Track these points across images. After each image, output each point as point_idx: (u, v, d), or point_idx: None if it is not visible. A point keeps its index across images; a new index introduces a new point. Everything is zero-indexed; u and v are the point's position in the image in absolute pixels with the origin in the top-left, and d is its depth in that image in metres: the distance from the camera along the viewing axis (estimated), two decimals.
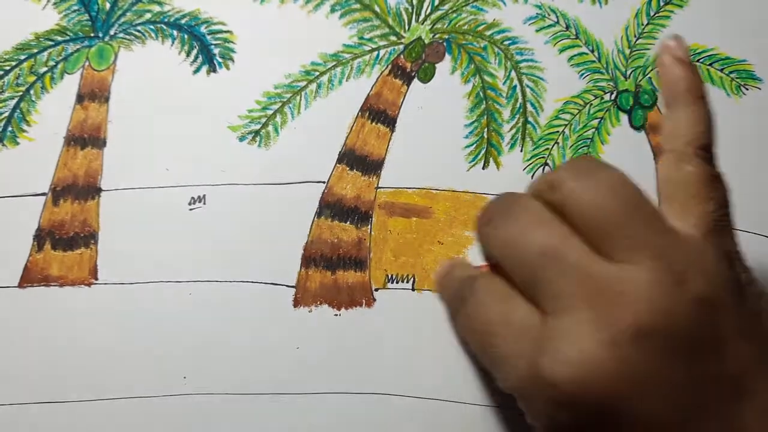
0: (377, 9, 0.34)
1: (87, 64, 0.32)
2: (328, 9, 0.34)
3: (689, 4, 0.35)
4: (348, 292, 0.32)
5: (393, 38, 0.34)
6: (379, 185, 0.33)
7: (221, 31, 0.33)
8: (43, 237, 0.31)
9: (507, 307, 0.24)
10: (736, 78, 0.35)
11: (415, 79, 0.34)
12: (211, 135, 0.32)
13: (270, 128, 0.33)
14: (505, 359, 0.24)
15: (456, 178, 0.33)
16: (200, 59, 0.33)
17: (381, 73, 0.34)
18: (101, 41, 0.33)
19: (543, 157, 0.34)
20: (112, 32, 0.33)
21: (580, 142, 0.34)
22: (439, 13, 0.34)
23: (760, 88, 0.35)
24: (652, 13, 0.35)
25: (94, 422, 0.30)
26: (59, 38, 0.32)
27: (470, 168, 0.33)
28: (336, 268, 0.32)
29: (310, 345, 0.31)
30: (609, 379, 0.21)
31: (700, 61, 0.35)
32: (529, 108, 0.34)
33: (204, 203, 0.32)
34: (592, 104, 0.34)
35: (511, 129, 0.34)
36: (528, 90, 0.34)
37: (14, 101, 0.32)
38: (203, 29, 0.33)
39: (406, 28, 0.34)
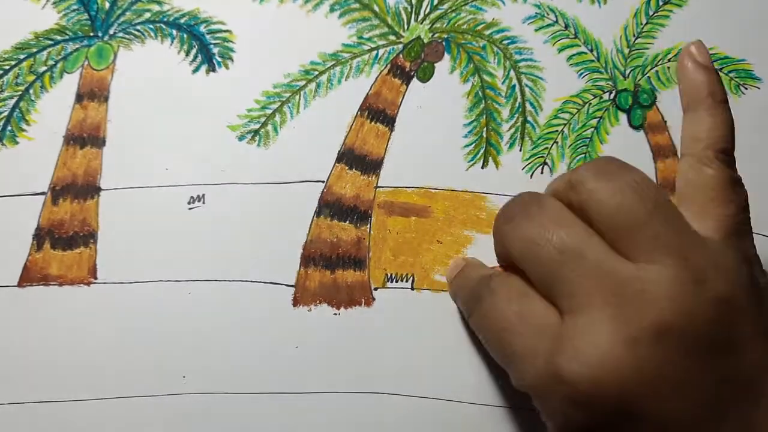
0: (376, 8, 0.34)
1: (86, 63, 0.32)
2: (327, 8, 0.34)
3: (688, 3, 0.35)
4: (347, 292, 0.32)
5: (392, 38, 0.34)
6: (379, 184, 0.33)
7: (220, 31, 0.33)
8: (43, 236, 0.31)
9: (524, 305, 0.24)
10: (735, 77, 0.35)
11: (414, 79, 0.34)
12: (211, 134, 0.32)
13: (269, 128, 0.33)
14: (522, 358, 0.24)
15: (455, 178, 0.33)
16: (199, 58, 0.33)
17: (380, 73, 0.34)
18: (100, 41, 0.33)
19: (542, 157, 0.34)
20: (111, 32, 0.33)
21: (579, 142, 0.34)
22: (438, 12, 0.34)
23: (759, 88, 0.35)
24: (651, 13, 0.35)
25: (94, 422, 0.30)
26: (58, 37, 0.32)
27: (469, 167, 0.33)
28: (335, 267, 0.32)
29: (310, 344, 0.31)
30: (627, 379, 0.21)
31: None
32: (528, 107, 0.34)
33: (203, 203, 0.32)
34: (591, 104, 0.34)
35: (510, 128, 0.34)
36: (527, 89, 0.34)
37: (13, 100, 0.32)
38: (202, 28, 0.33)
39: (405, 27, 0.34)
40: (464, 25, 0.34)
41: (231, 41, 0.33)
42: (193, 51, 0.33)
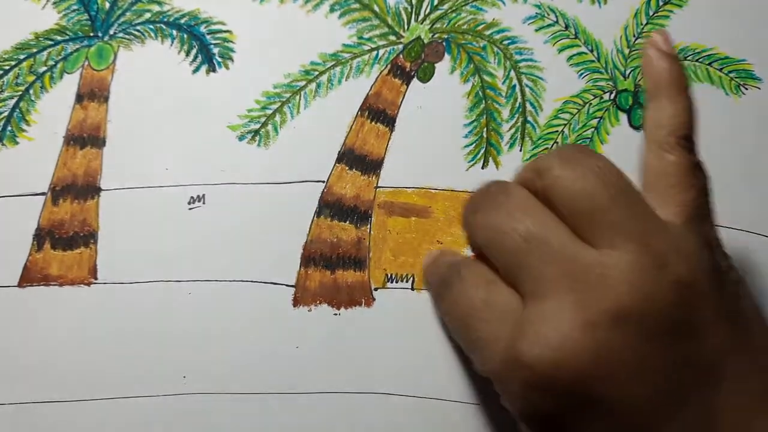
0: (376, 8, 0.34)
1: (86, 63, 0.32)
2: (327, 8, 0.34)
3: (688, 3, 0.35)
4: (347, 292, 0.32)
5: (392, 38, 0.34)
6: (379, 185, 0.33)
7: (221, 31, 0.33)
8: (43, 236, 0.31)
9: (489, 291, 0.25)
10: (736, 77, 0.35)
11: (415, 79, 0.34)
12: (211, 134, 0.32)
13: (269, 128, 0.33)
14: (485, 343, 0.24)
15: (455, 178, 0.33)
16: (200, 59, 0.33)
17: (380, 73, 0.34)
18: (101, 41, 0.33)
19: None
20: (111, 32, 0.33)
21: (579, 142, 0.34)
22: (438, 12, 0.34)
23: (759, 88, 0.35)
24: (651, 13, 0.35)
25: (94, 422, 0.30)
26: (59, 38, 0.32)
27: (469, 167, 0.33)
28: (335, 267, 0.32)
29: (310, 344, 0.31)
30: (586, 361, 0.22)
31: (700, 60, 0.35)
32: (529, 107, 0.34)
33: (203, 203, 0.32)
34: (591, 104, 0.34)
35: (510, 128, 0.34)
36: (527, 89, 0.34)
37: (14, 101, 0.32)
38: (203, 29, 0.33)
39: (406, 27, 0.34)
40: (464, 26, 0.34)
41: (231, 41, 0.33)
42: (194, 51, 0.33)
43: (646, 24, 0.35)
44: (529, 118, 0.34)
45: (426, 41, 0.34)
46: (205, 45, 0.33)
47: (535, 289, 0.23)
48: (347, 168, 0.33)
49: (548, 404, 0.22)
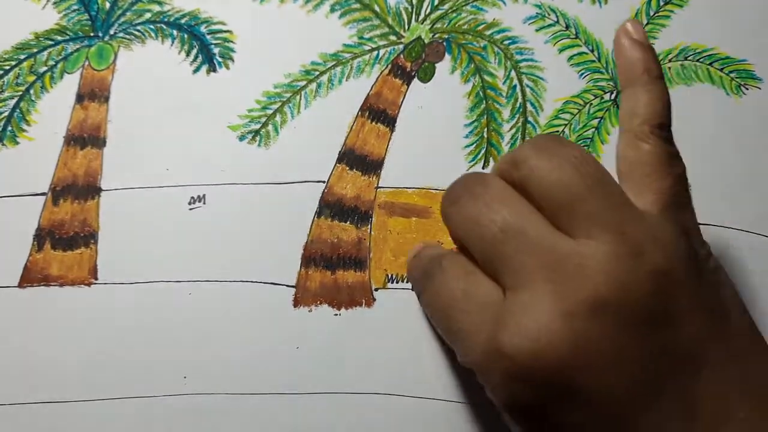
0: (377, 8, 0.34)
1: (87, 63, 0.32)
2: (327, 9, 0.34)
3: (689, 3, 0.35)
4: (348, 292, 0.32)
5: (393, 38, 0.34)
6: (379, 185, 0.33)
7: (221, 31, 0.33)
8: (43, 237, 0.31)
9: (469, 283, 0.25)
10: (736, 78, 0.35)
11: (415, 79, 0.34)
12: (211, 135, 0.32)
13: (270, 128, 0.33)
14: (466, 335, 0.24)
15: (456, 178, 0.33)
16: (200, 59, 0.33)
17: (381, 73, 0.34)
18: (101, 41, 0.33)
19: None
20: (111, 32, 0.33)
21: (579, 142, 0.34)
22: (438, 12, 0.34)
23: (760, 88, 0.35)
24: (651, 13, 0.35)
25: (94, 422, 0.30)
26: (59, 38, 0.32)
27: (470, 168, 0.33)
28: (336, 267, 0.32)
29: (310, 345, 0.31)
30: (564, 351, 0.22)
31: (700, 60, 0.35)
32: (529, 108, 0.34)
33: (204, 203, 0.32)
34: (591, 104, 0.34)
35: (511, 129, 0.34)
36: (528, 89, 0.34)
37: (14, 101, 0.32)
38: (203, 29, 0.33)
39: (406, 27, 0.34)
40: (465, 26, 0.34)
41: (231, 41, 0.33)
42: (194, 51, 0.33)
43: (647, 24, 0.35)
44: (530, 119, 0.34)
45: (426, 41, 0.34)
46: (205, 45, 0.33)
47: (514, 280, 0.23)
48: (348, 168, 0.33)
49: (528, 394, 0.22)
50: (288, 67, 0.33)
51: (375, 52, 0.34)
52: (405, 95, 0.34)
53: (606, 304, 0.22)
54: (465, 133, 0.34)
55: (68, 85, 0.32)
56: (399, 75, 0.34)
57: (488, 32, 0.34)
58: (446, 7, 0.34)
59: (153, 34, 0.33)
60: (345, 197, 0.33)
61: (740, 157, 0.34)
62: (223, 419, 0.31)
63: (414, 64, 0.34)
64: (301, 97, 0.33)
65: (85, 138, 0.32)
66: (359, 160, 0.33)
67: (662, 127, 0.26)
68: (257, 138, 0.33)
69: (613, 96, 0.35)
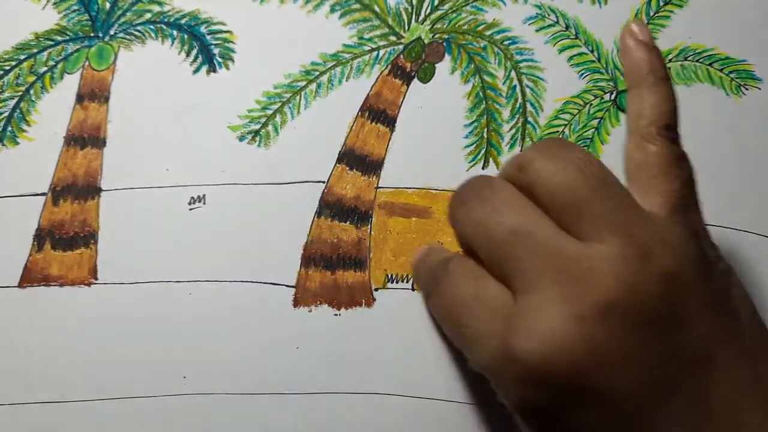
0: (377, 9, 0.34)
1: (87, 63, 0.32)
2: (327, 9, 0.34)
3: (689, 3, 0.35)
4: (348, 292, 0.32)
5: (393, 38, 0.34)
6: (379, 185, 0.33)
7: (221, 31, 0.33)
8: (43, 237, 0.31)
9: (478, 287, 0.25)
10: (736, 78, 0.35)
11: (415, 79, 0.34)
12: (211, 135, 0.32)
13: (270, 128, 0.33)
14: (477, 339, 0.24)
15: (456, 178, 0.33)
16: (200, 59, 0.33)
17: (381, 73, 0.34)
18: (101, 41, 0.33)
19: None
20: (112, 32, 0.33)
21: (579, 142, 0.34)
22: (438, 13, 0.34)
23: (760, 88, 0.35)
24: (651, 13, 0.35)
25: (94, 422, 0.30)
26: (59, 38, 0.32)
27: (470, 168, 0.33)
28: (336, 267, 0.32)
29: (310, 345, 0.31)
30: (576, 355, 0.22)
31: (700, 61, 0.35)
32: (529, 108, 0.34)
33: (204, 203, 0.32)
34: (591, 104, 0.34)
35: (510, 129, 0.34)
36: (528, 90, 0.34)
37: (14, 101, 0.32)
38: (203, 29, 0.33)
39: (406, 28, 0.34)
40: (465, 26, 0.34)
41: (231, 42, 0.33)
42: (194, 51, 0.33)
43: (647, 24, 0.35)
44: (530, 119, 0.34)
45: (426, 41, 0.34)
46: (205, 45, 0.33)
47: (523, 283, 0.23)
48: (348, 168, 0.33)
49: (541, 397, 0.22)
50: (288, 67, 0.33)
51: (375, 53, 0.34)
52: (405, 95, 0.34)
53: (615, 307, 0.22)
54: (465, 133, 0.34)
55: (68, 86, 0.32)
56: (399, 75, 0.34)
57: (488, 32, 0.34)
58: (446, 7, 0.34)
59: (153, 35, 0.33)
60: (345, 197, 0.33)
61: (740, 157, 0.34)
62: (223, 419, 0.31)
63: (414, 65, 0.34)
64: (301, 97, 0.33)
65: (85, 138, 0.32)
66: (359, 160, 0.33)
67: (669, 128, 0.26)
68: (257, 138, 0.33)
69: (612, 96, 0.35)
